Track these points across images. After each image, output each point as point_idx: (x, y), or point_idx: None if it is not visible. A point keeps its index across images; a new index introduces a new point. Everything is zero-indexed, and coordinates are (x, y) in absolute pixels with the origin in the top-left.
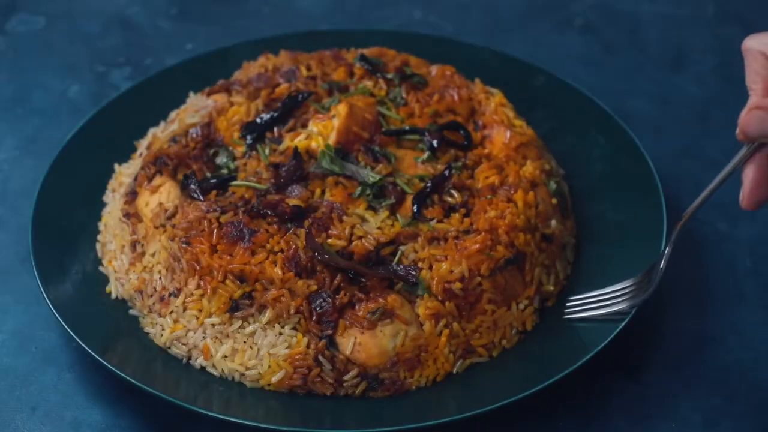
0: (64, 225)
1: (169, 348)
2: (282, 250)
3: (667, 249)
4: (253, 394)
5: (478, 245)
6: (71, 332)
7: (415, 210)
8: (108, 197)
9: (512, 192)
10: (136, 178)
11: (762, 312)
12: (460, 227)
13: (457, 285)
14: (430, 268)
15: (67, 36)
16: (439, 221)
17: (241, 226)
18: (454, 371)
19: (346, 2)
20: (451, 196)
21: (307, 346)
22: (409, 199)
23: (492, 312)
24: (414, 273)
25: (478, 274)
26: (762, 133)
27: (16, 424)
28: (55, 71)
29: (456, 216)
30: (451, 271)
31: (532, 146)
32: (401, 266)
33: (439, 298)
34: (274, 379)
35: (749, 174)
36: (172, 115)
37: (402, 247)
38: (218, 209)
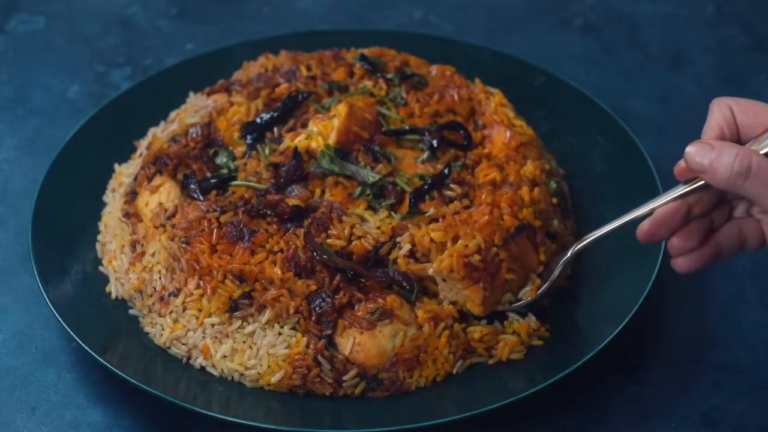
0: (64, 225)
1: (169, 348)
2: (281, 250)
3: (564, 259)
4: (252, 394)
5: (487, 217)
6: (71, 332)
7: (412, 202)
8: (108, 197)
9: (515, 189)
10: (136, 178)
11: (762, 312)
12: (459, 208)
13: (476, 257)
14: (435, 246)
15: (67, 36)
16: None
17: (241, 225)
18: (454, 371)
19: (346, 2)
20: (451, 190)
21: (307, 346)
22: (408, 197)
23: (512, 280)
24: (410, 279)
25: (493, 244)
26: (700, 166)
27: (16, 424)
28: (55, 71)
29: (455, 203)
30: (466, 246)
31: (532, 146)
32: (398, 272)
33: (462, 274)
34: (273, 379)
35: (661, 210)
36: (172, 115)
37: (398, 238)
38: (218, 209)
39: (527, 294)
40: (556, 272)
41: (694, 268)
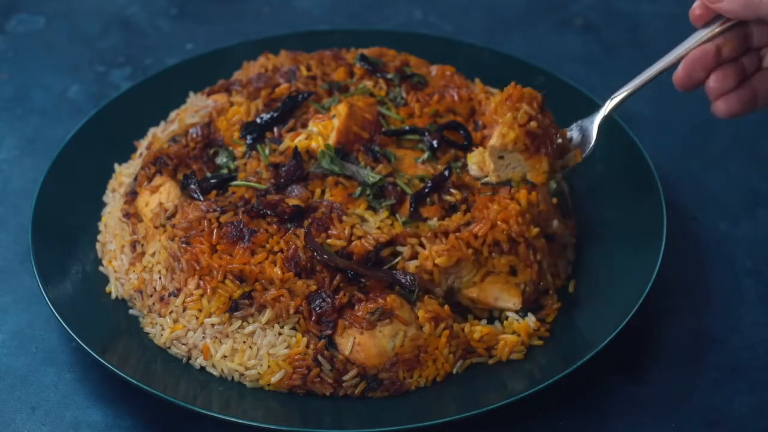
0: (64, 225)
1: (169, 348)
2: (282, 250)
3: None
4: (252, 394)
5: (501, 210)
6: (71, 332)
7: (412, 208)
8: (108, 197)
9: (514, 191)
10: (136, 178)
11: (762, 312)
12: (461, 221)
13: (533, 124)
14: (437, 270)
15: (67, 36)
16: (440, 220)
17: (241, 226)
18: (454, 371)
19: (346, 2)
20: (450, 194)
21: (307, 346)
22: (408, 199)
23: (559, 145)
24: (412, 279)
25: (537, 111)
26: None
27: (16, 424)
28: (55, 71)
29: (457, 215)
30: (515, 118)
31: None
32: (399, 272)
33: (526, 144)
34: (273, 379)
35: (691, 53)
36: (172, 115)
37: (401, 248)
38: (218, 209)
39: (572, 160)
40: (594, 132)
41: (734, 112)
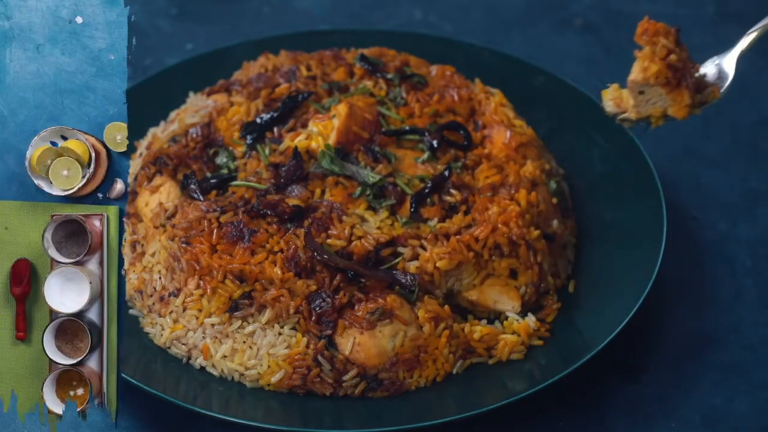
0: None
1: (169, 348)
2: (282, 250)
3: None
4: (252, 394)
5: (501, 212)
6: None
7: (413, 209)
8: None
9: (514, 191)
10: (136, 178)
11: (762, 312)
12: (462, 224)
13: (673, 57)
14: (438, 272)
15: None
16: (440, 221)
17: (241, 226)
18: (454, 371)
19: (346, 2)
20: (450, 195)
21: (307, 346)
22: (409, 200)
23: (699, 77)
24: (412, 279)
25: (674, 43)
26: None
27: (16, 424)
28: None
29: (458, 216)
30: (653, 52)
31: (532, 146)
32: (400, 272)
33: (668, 77)
34: (273, 379)
35: None
36: (172, 115)
37: (402, 249)
38: (218, 209)
39: (710, 96)
40: (732, 69)
41: None
